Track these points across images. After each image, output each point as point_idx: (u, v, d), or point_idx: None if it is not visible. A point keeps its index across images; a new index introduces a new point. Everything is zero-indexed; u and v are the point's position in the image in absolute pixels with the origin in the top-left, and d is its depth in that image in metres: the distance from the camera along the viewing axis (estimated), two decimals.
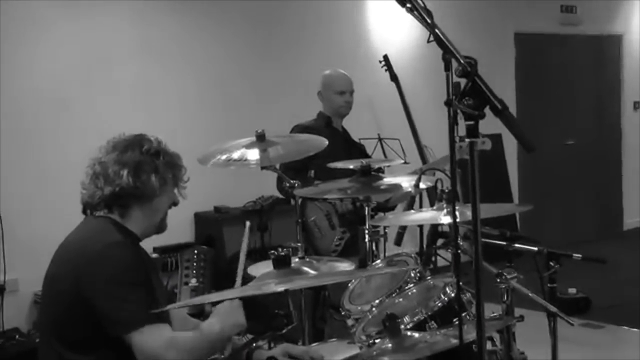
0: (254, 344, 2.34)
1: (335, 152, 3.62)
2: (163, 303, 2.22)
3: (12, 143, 5.02)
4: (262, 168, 2.87)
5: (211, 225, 5.74)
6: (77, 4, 5.35)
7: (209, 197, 5.68)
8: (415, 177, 2.84)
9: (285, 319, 2.22)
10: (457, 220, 2.06)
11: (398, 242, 5.14)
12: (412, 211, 3.37)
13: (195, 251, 3.92)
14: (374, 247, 3.21)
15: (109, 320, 2.15)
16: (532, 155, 7.28)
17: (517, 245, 2.78)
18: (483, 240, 1.72)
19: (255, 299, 2.28)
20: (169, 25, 5.83)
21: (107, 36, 5.51)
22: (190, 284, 3.73)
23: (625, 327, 5.42)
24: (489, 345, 2.50)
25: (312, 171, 4.06)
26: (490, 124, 1.70)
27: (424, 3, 1.74)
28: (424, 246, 5.16)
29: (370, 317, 2.48)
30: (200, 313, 3.14)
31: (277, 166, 3.05)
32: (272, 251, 2.31)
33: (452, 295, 2.37)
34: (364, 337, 2.40)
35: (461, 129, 1.64)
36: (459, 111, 1.61)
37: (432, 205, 3.71)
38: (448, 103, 1.61)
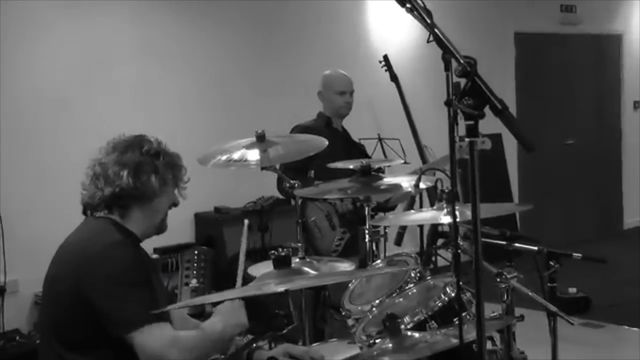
0: (255, 344, 2.34)
1: (335, 152, 3.62)
2: (163, 304, 2.23)
3: (12, 143, 5.02)
4: (262, 168, 2.87)
5: (211, 226, 5.74)
6: (77, 4, 5.35)
7: (209, 197, 5.68)
8: (415, 177, 2.84)
9: (285, 319, 2.22)
10: (457, 220, 2.06)
11: (398, 242, 5.14)
12: (412, 211, 3.37)
13: (196, 252, 3.92)
14: (374, 247, 3.21)
15: (110, 320, 2.15)
16: (532, 154, 7.33)
17: (517, 244, 2.78)
18: (483, 239, 1.72)
19: (256, 299, 2.28)
20: (169, 25, 5.83)
21: (107, 36, 5.51)
22: (190, 285, 3.73)
23: (626, 327, 5.42)
24: (489, 345, 2.50)
25: (312, 171, 4.06)
26: (490, 123, 1.70)
27: (423, 3, 1.74)
28: (424, 246, 5.16)
29: (370, 317, 2.48)
30: (200, 314, 3.14)
31: (277, 166, 3.05)
32: (273, 251, 2.31)
33: (452, 295, 2.38)
34: (364, 337, 2.40)
35: (461, 129, 1.64)
36: (458, 111, 1.61)
37: (432, 205, 3.71)
38: (448, 103, 1.61)
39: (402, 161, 5.18)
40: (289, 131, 4.26)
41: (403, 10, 1.75)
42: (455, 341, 2.06)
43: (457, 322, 2.18)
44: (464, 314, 2.34)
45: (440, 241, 3.15)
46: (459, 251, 2.02)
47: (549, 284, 2.75)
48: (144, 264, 2.28)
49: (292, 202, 3.13)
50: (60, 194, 4.69)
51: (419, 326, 2.33)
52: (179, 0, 5.84)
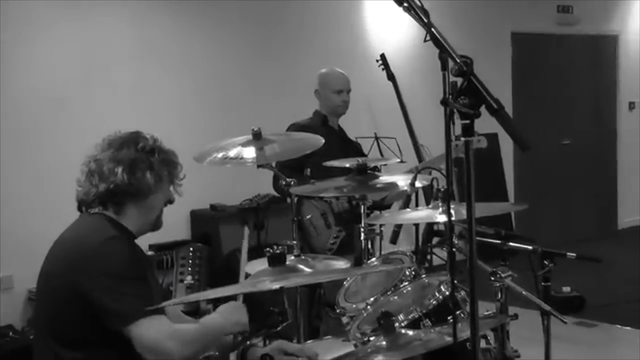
0: (249, 342, 2.35)
1: (332, 150, 3.62)
2: (158, 300, 2.23)
3: (9, 142, 5.02)
4: (259, 166, 2.88)
5: (207, 223, 5.74)
6: (76, 4, 5.34)
7: (205, 194, 5.68)
8: (411, 176, 2.85)
9: (280, 316, 2.22)
10: (453, 218, 2.07)
11: (394, 240, 5.15)
12: (408, 210, 3.38)
13: (191, 249, 3.92)
14: (369, 246, 3.22)
15: (108, 313, 2.15)
16: (528, 154, 7.36)
17: (511, 244, 2.78)
18: (478, 238, 1.72)
19: (251, 296, 2.29)
20: (168, 25, 5.83)
21: (105, 36, 5.51)
22: (185, 282, 3.73)
23: (619, 326, 5.44)
24: (483, 344, 2.51)
25: (308, 169, 4.06)
26: (486, 123, 1.71)
27: (420, 2, 1.74)
28: (420, 244, 5.17)
29: (365, 315, 2.49)
30: (195, 311, 3.15)
31: (273, 164, 3.05)
32: (268, 249, 2.31)
33: (447, 293, 2.38)
34: (358, 335, 2.41)
35: (458, 128, 1.65)
36: (455, 110, 1.62)
37: (427, 203, 3.72)
38: (444, 102, 1.62)
39: (398, 160, 5.20)
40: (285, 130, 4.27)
41: (400, 9, 1.75)
42: (449, 339, 2.07)
43: (451, 321, 2.19)
44: (458, 313, 2.35)
45: (435, 240, 3.16)
46: (454, 250, 2.03)
47: (543, 283, 2.75)
48: (140, 259, 2.28)
49: (288, 200, 3.13)
50: (56, 193, 4.68)
51: (414, 324, 2.33)
52: (178, 0, 5.83)
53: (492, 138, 6.32)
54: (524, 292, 2.53)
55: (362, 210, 3.17)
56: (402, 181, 2.96)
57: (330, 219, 4.21)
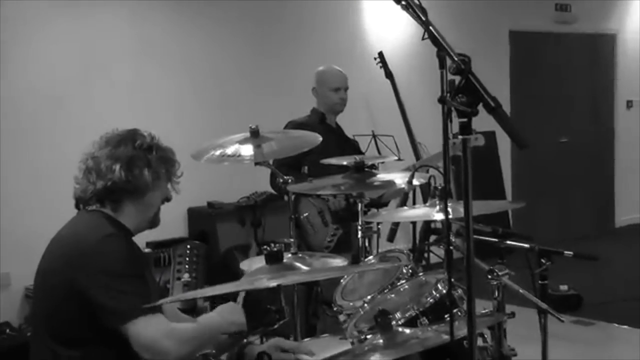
0: (246, 340, 2.35)
1: (329, 148, 3.62)
2: (156, 298, 2.23)
3: (7, 140, 5.01)
4: (256, 164, 2.87)
5: (204, 221, 5.74)
6: (75, 3, 5.33)
7: (202, 192, 5.68)
8: (408, 174, 2.84)
9: (277, 314, 2.22)
10: (450, 217, 2.07)
11: (391, 238, 5.15)
12: (405, 208, 3.37)
13: (188, 246, 3.92)
14: (366, 243, 3.22)
15: (105, 311, 2.14)
16: (526, 152, 7.36)
17: (509, 242, 2.79)
18: (475, 237, 1.72)
19: (248, 294, 2.29)
20: (166, 23, 5.82)
21: (103, 34, 5.50)
22: (182, 279, 3.73)
23: (616, 324, 5.44)
24: (479, 342, 2.51)
25: (306, 167, 4.06)
26: (484, 121, 1.71)
27: (418, 0, 1.74)
28: (417, 242, 5.17)
29: (362, 313, 2.49)
30: (192, 308, 3.14)
31: (271, 162, 3.05)
32: (265, 247, 2.31)
33: (444, 291, 2.38)
34: (355, 333, 2.41)
35: (456, 126, 1.65)
36: (452, 108, 1.62)
37: (425, 202, 3.72)
38: (442, 100, 1.62)
39: (396, 158, 5.20)
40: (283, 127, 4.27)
41: (399, 7, 1.75)
42: (446, 337, 2.07)
43: (448, 319, 2.19)
44: (455, 311, 2.35)
45: (432, 238, 3.16)
46: (451, 248, 2.03)
47: (540, 282, 2.76)
48: (137, 257, 2.28)
49: (286, 197, 3.13)
50: (55, 190, 4.67)
51: (411, 322, 2.33)
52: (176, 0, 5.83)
53: (490, 136, 6.33)
54: (521, 290, 2.54)
55: (359, 208, 3.17)
56: (400, 179, 2.96)
57: (327, 216, 4.20)
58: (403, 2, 1.73)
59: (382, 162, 4.78)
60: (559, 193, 8.65)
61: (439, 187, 2.61)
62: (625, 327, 5.37)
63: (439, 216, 2.51)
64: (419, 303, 2.38)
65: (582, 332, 5.32)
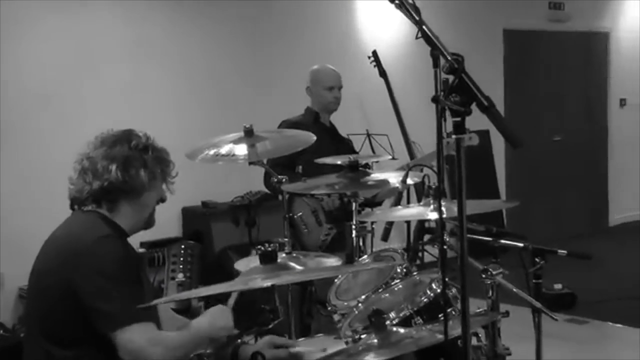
0: (240, 340, 2.35)
1: (323, 147, 3.62)
2: (150, 299, 2.22)
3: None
4: (250, 163, 2.87)
5: (199, 220, 5.73)
6: (68, 4, 5.31)
7: (196, 192, 5.67)
8: (402, 173, 2.84)
9: (271, 314, 2.22)
10: (444, 216, 2.07)
11: (385, 237, 5.14)
12: (399, 207, 3.38)
13: (183, 246, 3.91)
14: (361, 243, 3.22)
15: (96, 314, 2.14)
16: (520, 151, 7.35)
17: (502, 241, 2.79)
18: (469, 236, 1.72)
19: (242, 294, 2.28)
20: (161, 22, 5.82)
21: (98, 33, 5.49)
22: (177, 279, 3.72)
23: (610, 323, 5.45)
24: (474, 341, 2.51)
25: (300, 167, 4.06)
26: (478, 119, 1.71)
27: None
28: (411, 242, 5.18)
29: (356, 312, 2.49)
30: (186, 309, 3.14)
31: (265, 161, 3.04)
32: (259, 246, 2.31)
33: (438, 291, 2.38)
34: (350, 333, 2.41)
35: (449, 125, 1.65)
36: (446, 107, 1.62)
37: (419, 201, 3.72)
38: (435, 99, 1.62)
39: (390, 157, 5.20)
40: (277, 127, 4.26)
41: (392, 6, 1.75)
42: (440, 337, 2.07)
43: (442, 318, 2.19)
44: (449, 310, 2.35)
45: (426, 237, 3.17)
46: (445, 247, 2.03)
47: (534, 281, 2.76)
48: (132, 258, 2.27)
49: (280, 197, 3.13)
50: (47, 190, 4.69)
51: (405, 322, 2.33)
52: None
53: (484, 135, 6.33)
54: (515, 290, 2.54)
55: (353, 208, 3.17)
56: (394, 178, 2.96)
57: (321, 216, 4.20)
58: (397, 1, 1.73)
59: (376, 162, 4.78)
60: (553, 192, 8.66)
61: (433, 186, 2.61)
62: (619, 325, 5.38)
63: (433, 215, 2.51)
64: (413, 302, 2.38)
65: (576, 330, 5.33)
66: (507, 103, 7.92)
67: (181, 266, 3.81)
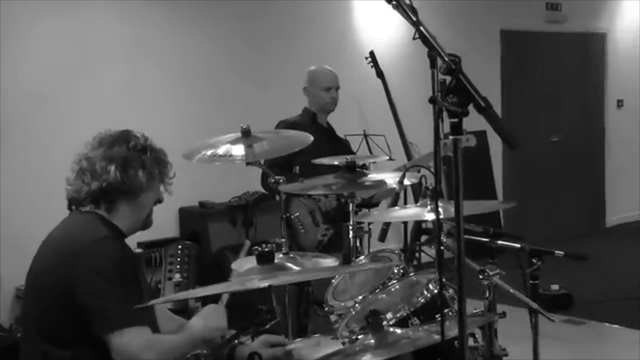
0: (237, 340, 2.35)
1: (320, 148, 3.62)
2: (147, 299, 2.22)
3: None
4: (247, 164, 2.87)
5: (196, 221, 5.72)
6: (64, 3, 5.31)
7: (194, 192, 5.66)
8: (399, 174, 2.85)
9: (268, 314, 2.22)
10: (441, 217, 2.07)
11: (382, 238, 5.14)
12: (397, 208, 3.38)
13: (180, 246, 3.92)
14: (358, 243, 3.22)
15: (92, 317, 2.14)
16: (517, 151, 7.37)
17: (500, 242, 2.79)
18: (466, 237, 1.72)
19: (239, 294, 2.28)
20: (158, 21, 5.81)
21: (95, 32, 5.47)
22: (174, 279, 3.73)
23: (607, 324, 5.46)
24: (470, 342, 2.52)
25: (297, 167, 4.06)
26: (475, 120, 1.71)
27: (409, 0, 1.74)
28: (408, 242, 5.17)
29: (353, 313, 2.49)
30: (183, 309, 3.14)
31: (262, 162, 3.04)
32: (256, 247, 2.31)
33: (435, 291, 2.39)
34: (347, 333, 2.41)
35: (447, 126, 1.65)
36: (443, 108, 1.62)
37: (416, 201, 3.72)
38: (432, 100, 1.62)
39: (387, 158, 5.20)
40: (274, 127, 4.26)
41: (390, 7, 1.75)
42: (437, 337, 2.07)
43: (439, 319, 2.19)
44: (446, 311, 2.35)
45: (423, 238, 3.16)
46: (442, 248, 2.03)
47: (531, 281, 2.76)
48: (131, 260, 2.27)
49: (277, 197, 3.13)
50: (45, 191, 4.68)
51: (402, 322, 2.33)
52: None
53: (481, 135, 6.33)
54: (512, 290, 2.54)
55: (350, 208, 3.17)
56: (391, 179, 2.96)
57: (318, 216, 4.20)
58: (394, 2, 1.73)
59: (374, 162, 4.78)
60: (550, 193, 8.67)
61: (430, 187, 2.61)
62: (616, 326, 5.39)
63: (430, 216, 2.51)
64: (410, 303, 2.38)
65: (573, 331, 5.33)
66: (504, 104, 7.93)
67: (178, 266, 3.81)
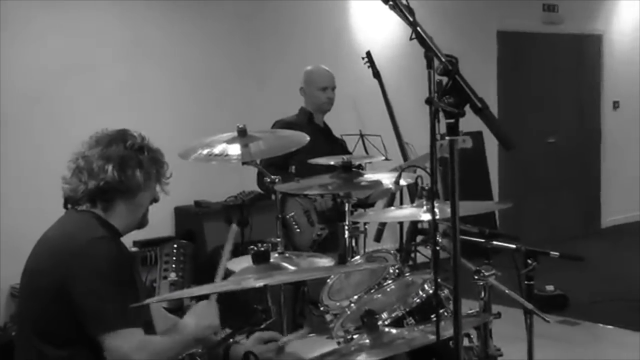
0: (232, 339, 2.35)
1: (317, 148, 3.62)
2: (142, 298, 2.22)
3: None
4: (244, 163, 2.87)
5: (191, 220, 5.72)
6: (62, 3, 5.30)
7: (189, 191, 5.66)
8: (396, 174, 2.85)
9: (263, 314, 2.22)
10: (437, 217, 2.07)
11: (378, 238, 5.14)
12: (392, 208, 3.38)
13: (175, 245, 3.91)
14: (353, 243, 3.22)
15: (87, 317, 2.14)
16: (513, 153, 7.38)
17: (495, 242, 2.79)
18: (462, 237, 1.73)
19: (235, 294, 2.28)
20: (156, 21, 5.81)
21: (93, 32, 5.47)
22: (169, 278, 3.72)
23: (602, 325, 5.47)
24: (465, 342, 2.52)
25: (293, 167, 4.06)
26: (471, 121, 1.71)
27: (406, 0, 1.74)
28: (404, 243, 5.18)
29: (348, 312, 2.49)
30: (178, 308, 3.13)
31: (258, 161, 3.04)
32: (252, 246, 2.31)
33: (430, 291, 2.39)
34: (342, 333, 2.41)
35: (443, 127, 1.65)
36: (440, 109, 1.62)
37: (412, 202, 3.73)
38: (429, 101, 1.62)
39: (383, 158, 5.20)
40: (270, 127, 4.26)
41: (386, 7, 1.75)
42: (432, 338, 2.07)
43: (434, 319, 2.20)
44: (441, 311, 2.35)
45: (419, 238, 3.17)
46: (438, 248, 2.03)
47: (526, 282, 2.76)
48: (127, 260, 2.27)
49: (273, 197, 3.13)
50: (39, 190, 4.68)
51: (397, 322, 2.34)
52: None
53: (477, 136, 6.34)
54: (507, 291, 2.54)
55: (346, 208, 3.17)
56: (387, 179, 2.96)
57: (313, 216, 4.20)
58: (390, 2, 1.73)
59: (370, 162, 4.78)
60: (546, 193, 8.68)
61: (426, 188, 2.61)
62: (611, 327, 5.40)
63: (426, 216, 2.51)
64: (405, 303, 2.38)
65: (568, 332, 5.34)
66: (500, 105, 7.94)
67: (174, 265, 3.81)
